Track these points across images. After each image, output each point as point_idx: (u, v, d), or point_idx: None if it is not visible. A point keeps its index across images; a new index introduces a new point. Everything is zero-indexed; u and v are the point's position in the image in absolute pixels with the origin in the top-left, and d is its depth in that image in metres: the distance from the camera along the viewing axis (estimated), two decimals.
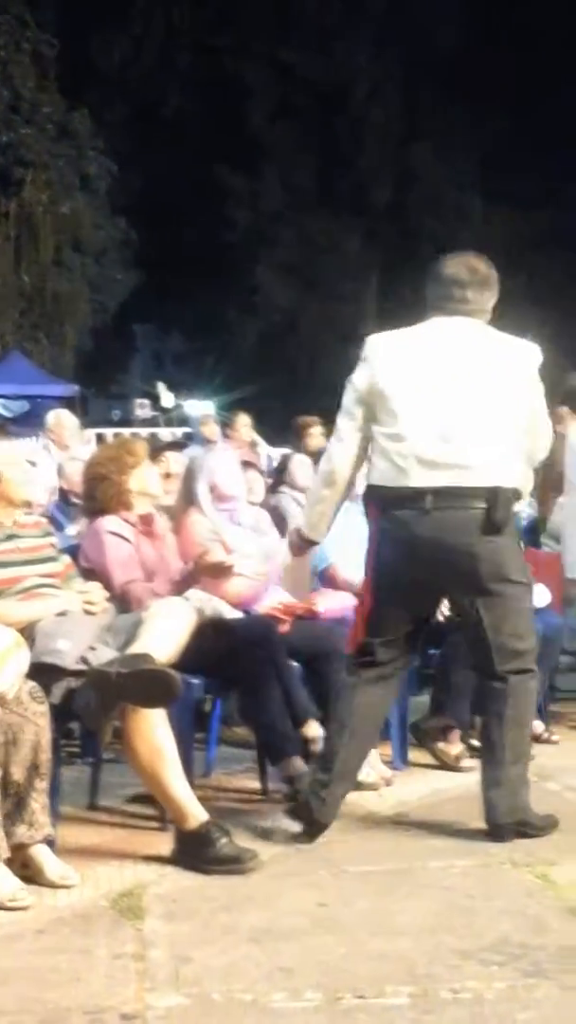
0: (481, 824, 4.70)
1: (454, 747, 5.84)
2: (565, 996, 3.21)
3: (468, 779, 5.56)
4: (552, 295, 26.54)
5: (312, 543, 5.14)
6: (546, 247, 27.88)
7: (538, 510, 8.07)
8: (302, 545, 5.15)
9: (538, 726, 6.26)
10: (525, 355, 4.73)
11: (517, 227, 28.25)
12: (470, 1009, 3.15)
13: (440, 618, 5.70)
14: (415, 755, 5.92)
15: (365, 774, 5.29)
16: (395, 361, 4.71)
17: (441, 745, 5.86)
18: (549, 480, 7.26)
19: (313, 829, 4.65)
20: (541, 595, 6.37)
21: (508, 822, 4.60)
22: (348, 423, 4.78)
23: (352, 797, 5.04)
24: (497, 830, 4.59)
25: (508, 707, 4.63)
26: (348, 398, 4.79)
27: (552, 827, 4.69)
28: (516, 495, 4.65)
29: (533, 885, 4.09)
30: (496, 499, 4.50)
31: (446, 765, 5.79)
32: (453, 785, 5.52)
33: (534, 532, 8.00)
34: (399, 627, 4.73)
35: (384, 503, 4.65)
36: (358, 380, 4.76)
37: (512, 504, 4.60)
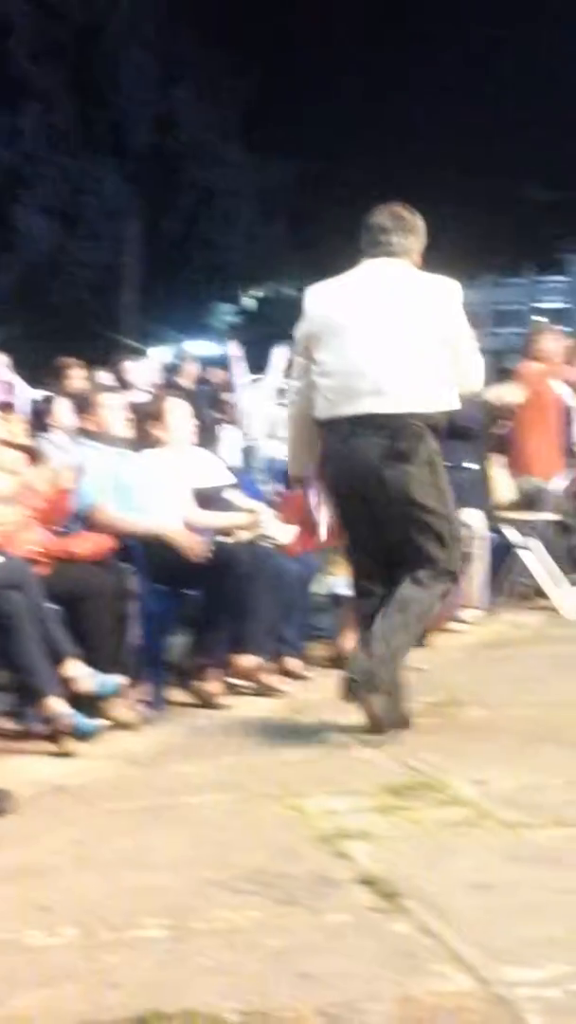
0: (238, 758, 4.79)
1: (212, 685, 5.91)
2: (315, 922, 3.30)
3: (226, 716, 5.66)
4: (311, 242, 26.79)
5: (300, 480, 5.61)
6: (305, 194, 28.10)
7: None
8: (293, 484, 5.74)
9: (293, 662, 6.40)
10: (445, 291, 5.12)
11: (277, 174, 28.38)
12: (224, 938, 3.21)
13: (199, 560, 5.77)
14: (174, 694, 5.96)
15: (123, 714, 5.33)
16: (325, 305, 5.18)
17: (199, 683, 5.92)
18: None
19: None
20: (287, 533, 6.48)
21: (359, 687, 4.96)
22: (297, 371, 5.37)
23: (110, 736, 5.07)
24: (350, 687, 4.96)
25: (397, 611, 4.95)
26: (294, 350, 5.39)
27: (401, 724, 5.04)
28: (432, 425, 4.98)
29: (287, 816, 4.18)
30: (401, 430, 4.89)
31: (205, 703, 5.85)
32: (211, 723, 5.59)
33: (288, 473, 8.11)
34: (365, 575, 5.18)
35: (323, 432, 5.15)
36: (297, 332, 5.32)
37: (423, 434, 4.93)
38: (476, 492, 7.99)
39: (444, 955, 3.06)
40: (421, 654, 6.97)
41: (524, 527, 8.38)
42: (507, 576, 8.40)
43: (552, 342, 9.34)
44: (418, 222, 5.23)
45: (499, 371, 9.70)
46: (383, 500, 4.97)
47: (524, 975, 2.93)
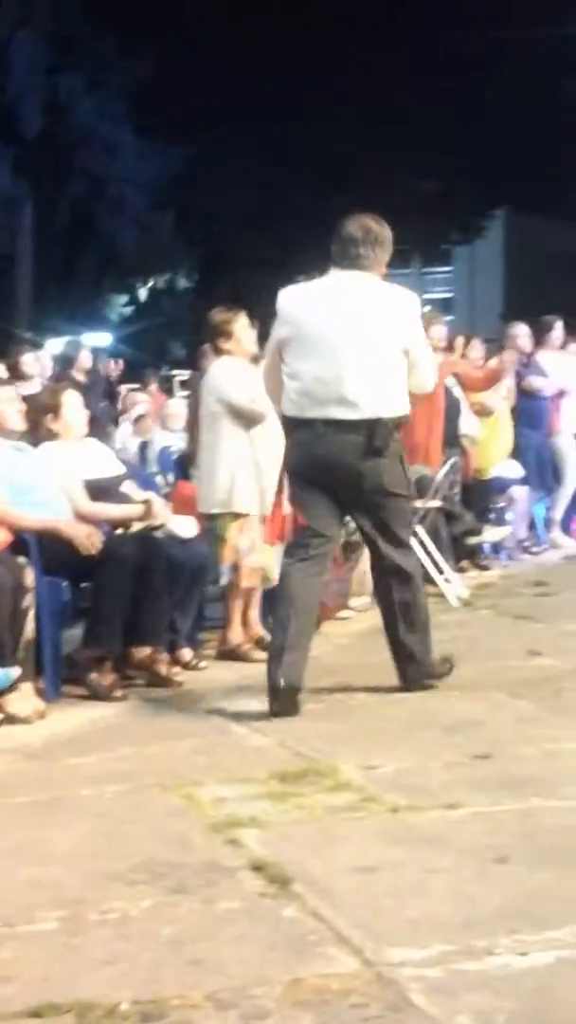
0: (132, 750, 4.85)
1: (107, 677, 5.94)
2: (206, 909, 3.37)
3: (120, 708, 5.71)
4: (204, 230, 26.80)
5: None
6: (196, 182, 28.04)
7: (188, 444, 8.24)
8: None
9: (187, 653, 6.46)
10: (405, 303, 5.65)
11: (166, 162, 28.27)
12: (117, 929, 3.27)
13: (94, 552, 5.81)
14: (69, 687, 5.99)
15: (18, 708, 5.34)
16: (295, 311, 5.60)
17: (94, 675, 5.94)
18: (196, 416, 7.44)
19: (280, 694, 5.33)
20: (188, 527, 6.54)
21: (417, 679, 5.68)
22: (265, 366, 5.87)
23: (4, 731, 5.10)
24: (411, 684, 5.67)
25: (396, 593, 5.65)
26: (267, 347, 5.85)
27: (450, 670, 5.81)
28: (397, 423, 5.52)
29: (179, 806, 4.25)
30: (375, 429, 5.43)
31: (99, 695, 5.88)
32: (106, 714, 5.64)
33: (184, 466, 8.17)
34: (319, 518, 5.58)
35: (289, 427, 5.66)
36: (272, 332, 5.74)
37: (392, 432, 5.49)
38: None
39: (331, 938, 3.15)
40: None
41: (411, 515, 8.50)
42: None
43: (438, 332, 9.47)
44: (386, 233, 5.64)
45: None
46: (357, 490, 5.52)
47: (408, 955, 3.03)
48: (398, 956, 3.03)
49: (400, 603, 5.68)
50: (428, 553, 8.47)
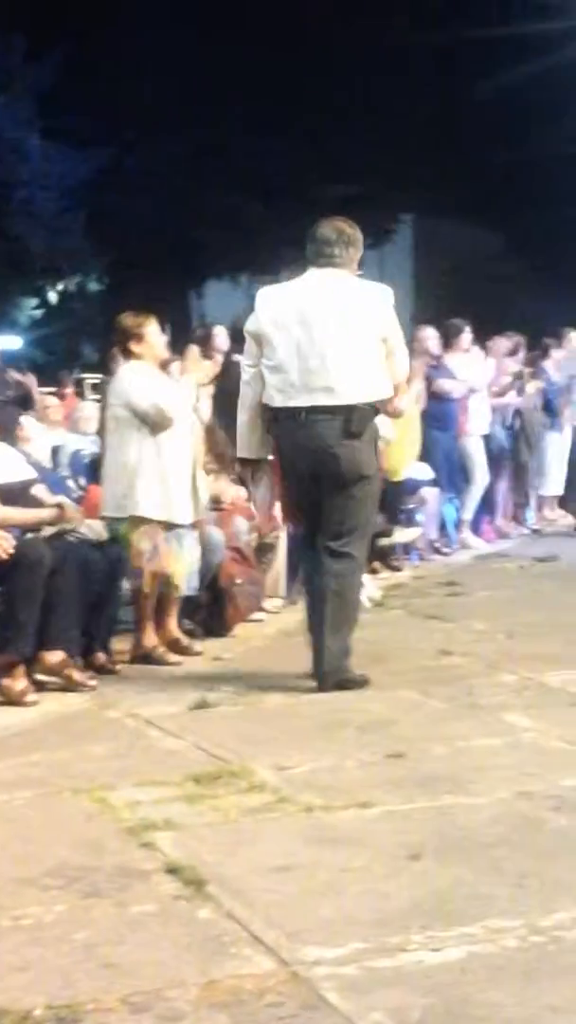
0: (44, 755, 4.82)
1: (18, 682, 5.89)
2: (120, 913, 3.36)
3: (33, 713, 5.66)
4: (115, 234, 26.65)
5: (253, 462, 6.18)
6: (107, 186, 27.89)
7: (100, 448, 8.20)
8: (244, 468, 6.33)
9: (101, 656, 6.43)
10: (380, 297, 6.01)
11: (75, 165, 28.08)
12: (31, 934, 3.24)
13: (5, 556, 5.76)
14: None
15: None
16: (274, 308, 5.99)
17: (6, 681, 5.89)
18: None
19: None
20: (100, 530, 6.52)
21: (331, 679, 5.81)
22: (246, 362, 6.12)
23: None
24: (322, 681, 5.82)
25: (335, 583, 5.89)
26: (246, 343, 6.11)
27: (366, 684, 5.86)
28: (374, 409, 5.90)
29: (92, 810, 4.22)
30: (352, 414, 5.81)
31: (11, 701, 5.83)
32: (19, 720, 5.59)
33: (95, 469, 8.13)
34: (309, 502, 5.98)
35: (275, 416, 5.96)
36: (248, 326, 6.08)
37: (369, 417, 5.89)
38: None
39: (246, 939, 3.16)
40: (224, 644, 7.13)
41: None
42: None
43: None
44: (357, 235, 6.06)
45: None
46: (333, 472, 5.84)
47: (322, 954, 3.05)
48: (313, 955, 3.04)
49: (335, 594, 5.88)
50: None
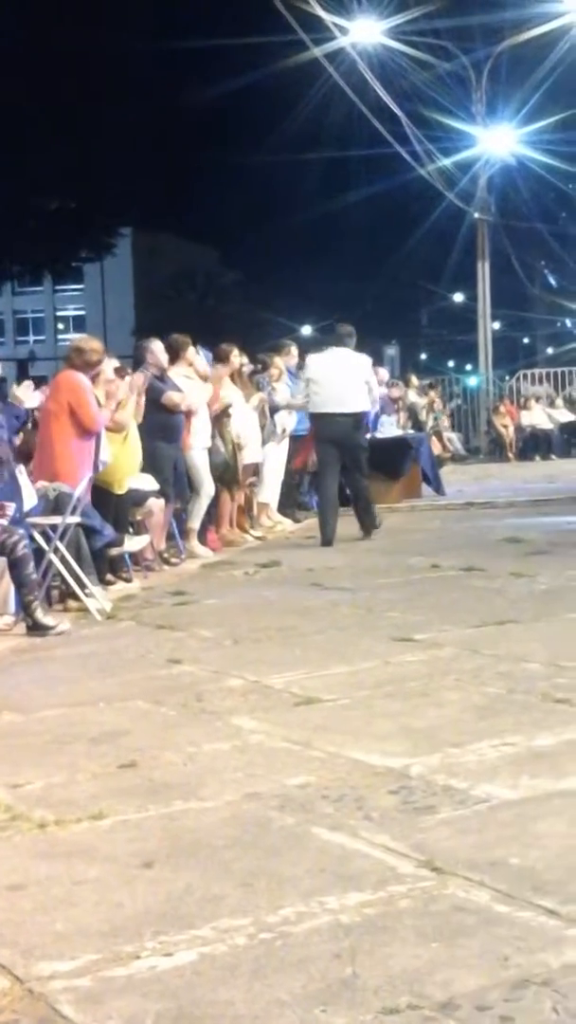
0: None
1: None
2: None
3: None
4: None
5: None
6: None
7: None
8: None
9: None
10: (364, 361, 12.74)
11: None
12: None
13: None
14: None
15: None
16: (316, 365, 12.61)
17: None
18: None
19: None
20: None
21: (369, 528, 12.76)
22: (302, 390, 12.88)
23: None
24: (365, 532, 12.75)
25: (364, 496, 12.73)
26: (303, 381, 12.89)
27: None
28: (365, 415, 12.92)
29: None
30: (357, 418, 12.40)
31: None
32: None
33: None
34: (331, 462, 12.55)
35: (314, 417, 12.56)
36: (304, 374, 12.90)
37: (363, 420, 12.78)
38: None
39: None
40: None
41: (51, 531, 8.51)
42: (39, 581, 8.48)
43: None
44: (353, 331, 12.69)
45: (31, 379, 9.77)
46: (348, 445, 12.28)
47: (57, 967, 3.06)
48: (47, 970, 3.05)
49: (360, 496, 12.67)
50: (70, 569, 8.49)
